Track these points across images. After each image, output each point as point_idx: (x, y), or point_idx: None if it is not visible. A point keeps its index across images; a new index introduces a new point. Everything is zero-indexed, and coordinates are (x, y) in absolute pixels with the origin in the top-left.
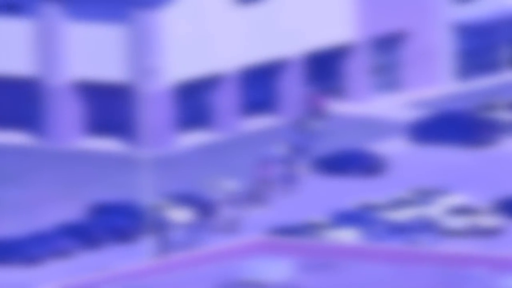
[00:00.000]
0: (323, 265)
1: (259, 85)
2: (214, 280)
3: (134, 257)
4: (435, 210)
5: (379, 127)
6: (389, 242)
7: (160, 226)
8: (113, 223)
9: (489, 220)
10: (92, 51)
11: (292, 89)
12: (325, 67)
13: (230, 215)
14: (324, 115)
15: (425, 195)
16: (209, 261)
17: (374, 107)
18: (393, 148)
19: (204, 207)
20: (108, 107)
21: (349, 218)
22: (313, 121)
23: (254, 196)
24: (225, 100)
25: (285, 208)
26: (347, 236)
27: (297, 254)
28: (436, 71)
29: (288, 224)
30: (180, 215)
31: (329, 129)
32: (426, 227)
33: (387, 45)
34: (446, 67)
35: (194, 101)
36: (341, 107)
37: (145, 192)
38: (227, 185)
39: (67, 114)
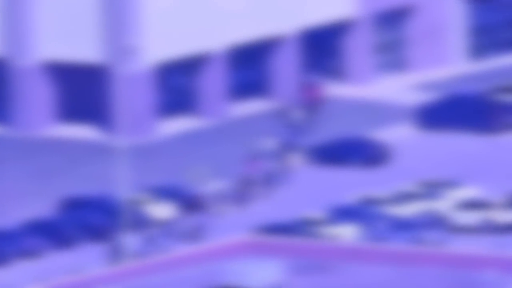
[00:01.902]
0: (317, 267)
1: (250, 65)
2: (195, 285)
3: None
4: (444, 204)
5: (383, 112)
6: (392, 240)
7: (139, 223)
8: (86, 220)
9: (504, 215)
10: (63, 28)
11: (287, 70)
12: (323, 46)
13: (195, 221)
14: (320, 106)
15: (433, 188)
16: (189, 264)
17: (377, 90)
18: (398, 135)
19: (188, 202)
20: (82, 91)
21: (348, 213)
22: (298, 111)
23: (239, 194)
24: (212, 83)
25: (275, 203)
26: (345, 233)
27: (288, 255)
28: (446, 49)
29: (279, 221)
30: (162, 211)
31: (327, 114)
32: (433, 223)
33: (392, 20)
34: (457, 45)
35: (177, 84)
36: (340, 90)
37: (122, 185)
38: (211, 178)
39: (36, 98)
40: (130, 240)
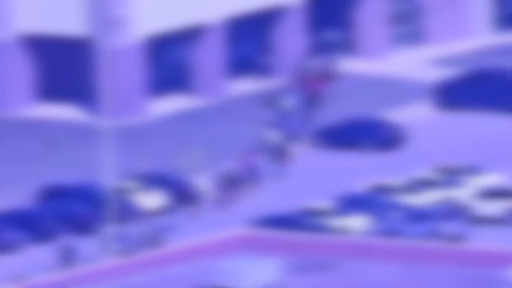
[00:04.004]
0: (319, 265)
1: (250, 39)
2: (187, 283)
3: (95, 252)
4: (465, 193)
5: (397, 90)
6: (406, 232)
7: (126, 215)
8: (67, 211)
9: None
10: None
11: (290, 44)
12: (332, 16)
13: (155, 224)
14: (322, 99)
15: (452, 175)
16: (180, 261)
17: (391, 65)
18: (414, 115)
19: (181, 190)
20: (63, 66)
21: (358, 203)
22: (286, 98)
23: (223, 191)
24: (208, 57)
25: (276, 192)
26: (355, 225)
27: (287, 252)
28: (468, 19)
29: (278, 213)
30: (151, 201)
31: (336, 92)
32: (452, 214)
33: None
34: (480, 14)
35: (169, 59)
36: (351, 65)
37: (108, 171)
38: (207, 164)
39: (12, 74)
40: (115, 233)
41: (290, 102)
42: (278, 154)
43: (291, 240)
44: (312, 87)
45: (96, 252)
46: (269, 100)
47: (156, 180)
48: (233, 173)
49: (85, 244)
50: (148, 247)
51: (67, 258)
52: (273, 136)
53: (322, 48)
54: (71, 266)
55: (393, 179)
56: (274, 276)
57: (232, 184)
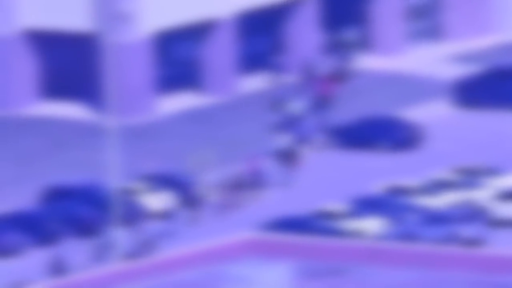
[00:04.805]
0: (331, 271)
1: (261, 34)
2: None
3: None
4: (484, 194)
5: (415, 87)
6: (423, 236)
7: (132, 217)
8: (72, 213)
9: None
10: None
11: (303, 39)
12: (347, 11)
13: (151, 230)
14: (331, 101)
15: (471, 176)
16: (183, 267)
17: (408, 62)
18: (432, 114)
19: (189, 191)
20: (68, 63)
21: (374, 205)
22: (293, 101)
23: (226, 197)
24: (218, 54)
25: (288, 193)
26: (370, 228)
27: (298, 256)
28: (488, 15)
29: (290, 215)
30: (159, 202)
31: (351, 90)
32: (471, 217)
33: None
34: (501, 10)
35: (178, 55)
36: (366, 62)
37: (113, 172)
38: (217, 165)
39: (15, 72)
40: (121, 236)
41: (297, 105)
42: (287, 158)
43: (302, 244)
44: (322, 88)
45: (95, 257)
46: (275, 103)
47: (163, 181)
48: (238, 177)
49: (86, 247)
50: (141, 254)
51: (58, 267)
52: (282, 139)
53: (336, 45)
54: (62, 275)
55: (410, 180)
56: (284, 282)
57: (237, 188)
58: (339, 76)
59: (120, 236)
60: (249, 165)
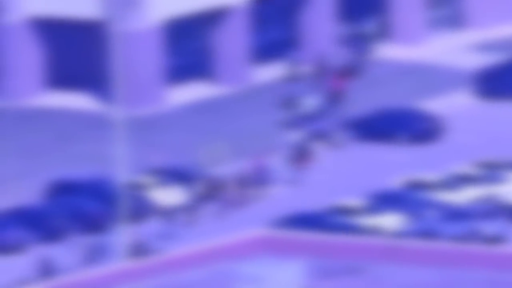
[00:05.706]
0: (346, 269)
1: (275, 22)
2: None
3: (105, 253)
4: (507, 189)
5: (435, 77)
6: (443, 232)
7: (140, 212)
8: (78, 208)
9: None
10: None
11: (320, 28)
12: (365, 0)
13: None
14: (344, 96)
15: (493, 170)
16: (194, 264)
17: (429, 51)
18: (453, 105)
19: (202, 185)
20: (76, 52)
21: (392, 200)
22: (306, 98)
23: (231, 195)
24: (230, 43)
25: (302, 188)
26: (388, 224)
27: (312, 254)
28: (511, 3)
29: (305, 211)
30: (169, 197)
31: (369, 80)
32: (494, 212)
33: None
34: None
35: (189, 44)
36: (386, 51)
37: (121, 166)
38: (230, 158)
39: (21, 61)
40: (128, 233)
41: (311, 101)
42: (298, 154)
43: (316, 241)
44: (334, 83)
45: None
46: (288, 101)
47: (174, 175)
48: (242, 174)
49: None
50: (134, 256)
51: (46, 269)
52: (294, 136)
53: (356, 37)
54: (49, 277)
55: (430, 174)
56: (297, 282)
57: (242, 185)
58: (352, 71)
59: (125, 233)
60: (254, 162)
